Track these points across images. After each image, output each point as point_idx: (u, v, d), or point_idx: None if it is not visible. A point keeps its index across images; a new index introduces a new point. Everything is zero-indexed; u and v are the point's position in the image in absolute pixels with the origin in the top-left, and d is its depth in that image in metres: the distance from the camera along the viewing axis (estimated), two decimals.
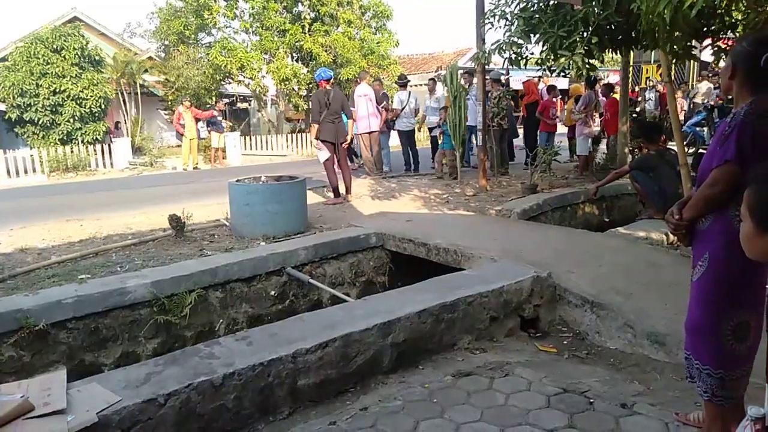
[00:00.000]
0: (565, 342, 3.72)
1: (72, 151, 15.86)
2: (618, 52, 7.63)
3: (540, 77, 12.48)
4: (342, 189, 7.57)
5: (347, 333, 2.95)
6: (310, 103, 7.91)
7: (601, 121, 10.23)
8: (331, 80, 7.58)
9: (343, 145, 7.55)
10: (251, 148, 19.02)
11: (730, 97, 2.30)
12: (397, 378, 3.08)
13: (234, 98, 24.39)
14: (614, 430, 2.46)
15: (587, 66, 6.12)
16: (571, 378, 3.02)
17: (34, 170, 15.71)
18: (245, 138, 19.44)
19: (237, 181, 5.85)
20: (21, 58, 16.85)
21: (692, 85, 15.07)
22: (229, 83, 20.87)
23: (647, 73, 15.74)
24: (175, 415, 2.39)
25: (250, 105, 25.43)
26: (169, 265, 4.62)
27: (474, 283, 3.70)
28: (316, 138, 7.28)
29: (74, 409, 2.25)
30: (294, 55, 20.24)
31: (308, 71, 19.36)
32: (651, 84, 14.41)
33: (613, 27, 6.17)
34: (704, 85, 13.56)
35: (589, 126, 9.39)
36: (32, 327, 3.58)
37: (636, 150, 8.65)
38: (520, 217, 6.48)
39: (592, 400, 2.73)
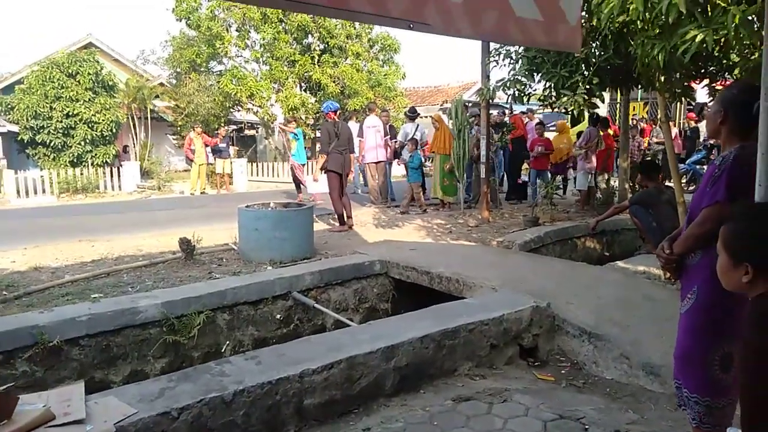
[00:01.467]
0: (562, 371, 3.81)
1: (82, 174, 16.13)
2: (618, 90, 7.86)
3: (525, 113, 12.64)
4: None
5: (352, 355, 3.06)
6: (319, 134, 8.17)
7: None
8: (338, 112, 7.83)
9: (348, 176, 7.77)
10: (258, 175, 19.31)
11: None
12: (399, 401, 3.18)
13: (242, 125, 24.81)
14: None
15: (588, 104, 6.35)
16: (567, 406, 3.12)
17: (44, 191, 15.95)
18: (252, 164, 19.75)
19: (246, 207, 6.02)
20: (36, 82, 17.30)
21: (678, 122, 15.36)
22: (239, 110, 21.31)
23: (634, 110, 16.02)
24: (187, 429, 2.50)
25: (257, 132, 25.84)
26: (179, 286, 4.76)
27: (475, 312, 3.82)
28: (322, 168, 7.47)
29: (92, 420, 2.37)
30: (302, 84, 20.69)
31: (316, 101, 19.78)
32: (634, 122, 14.68)
33: (612, 67, 6.42)
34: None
35: (590, 161, 9.59)
36: (47, 343, 3.70)
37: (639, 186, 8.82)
38: (521, 248, 6.61)
39: (587, 427, 2.83)
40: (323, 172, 7.55)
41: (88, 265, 5.52)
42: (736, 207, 1.62)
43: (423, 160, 10.03)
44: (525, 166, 10.89)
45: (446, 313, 3.81)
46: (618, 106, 13.54)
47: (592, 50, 5.91)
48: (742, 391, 1.33)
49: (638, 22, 4.23)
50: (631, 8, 3.81)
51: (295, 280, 5.02)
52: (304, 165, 11.81)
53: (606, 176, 9.95)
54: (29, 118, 17.23)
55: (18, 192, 15.85)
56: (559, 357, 4.00)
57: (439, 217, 8.63)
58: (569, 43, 2.38)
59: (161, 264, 5.53)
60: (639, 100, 15.85)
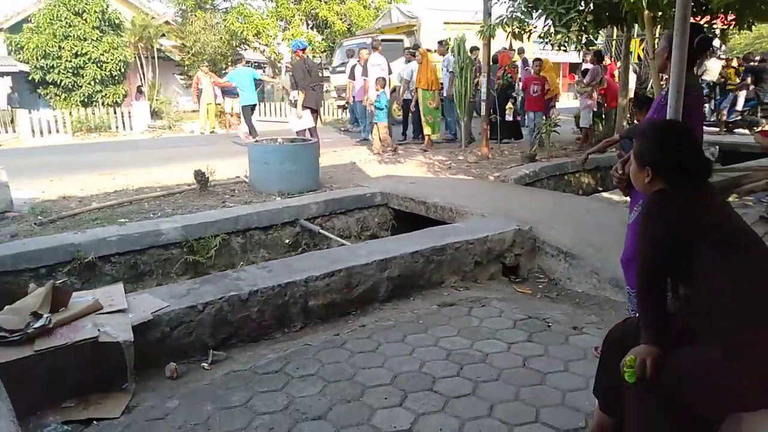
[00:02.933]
0: (540, 286, 4.27)
1: (93, 113, 16.43)
2: (617, 28, 7.97)
3: (509, 49, 12.04)
4: None
5: (351, 266, 3.53)
6: (293, 72, 8.25)
7: (602, 95, 10.51)
8: (306, 50, 8.08)
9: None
10: (265, 115, 19.47)
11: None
12: (391, 306, 3.66)
13: (249, 65, 24.73)
14: (563, 343, 3.03)
15: (583, 42, 6.53)
16: (538, 310, 3.59)
17: (57, 131, 16.34)
18: (259, 105, 19.91)
19: (256, 141, 6.39)
20: (44, 21, 17.31)
21: None
22: (245, 50, 21.24)
23: (637, 47, 15.78)
24: (210, 320, 2.99)
25: (263, 72, 25.79)
26: (195, 213, 5.22)
27: (462, 233, 4.26)
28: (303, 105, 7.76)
29: (133, 311, 2.86)
30: (309, 22, 20.52)
31: (323, 39, 19.69)
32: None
33: (608, 4, 6.55)
34: (714, 63, 13.52)
35: (592, 99, 9.76)
36: (83, 259, 4.20)
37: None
38: (516, 182, 6.99)
39: (550, 324, 3.30)
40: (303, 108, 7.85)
41: (110, 195, 5.98)
42: (644, 124, 1.99)
43: (389, 100, 9.84)
44: (509, 105, 10.79)
45: (436, 234, 4.24)
46: (613, 43, 13.39)
47: None
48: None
49: None
50: None
51: (302, 209, 5.46)
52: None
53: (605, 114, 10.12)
54: (39, 58, 17.36)
55: (33, 131, 16.24)
56: (538, 275, 4.45)
57: (440, 154, 8.96)
58: None
59: (178, 194, 5.98)
60: (636, 37, 15.62)
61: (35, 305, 2.61)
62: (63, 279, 4.04)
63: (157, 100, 19.03)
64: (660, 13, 5.35)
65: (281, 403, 2.51)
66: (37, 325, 2.51)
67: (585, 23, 6.00)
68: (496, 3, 7.36)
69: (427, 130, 9.72)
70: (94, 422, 2.41)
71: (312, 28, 20.65)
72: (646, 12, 4.91)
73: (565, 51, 7.91)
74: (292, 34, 18.95)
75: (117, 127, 16.53)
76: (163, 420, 2.41)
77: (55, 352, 2.46)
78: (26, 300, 2.69)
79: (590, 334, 3.14)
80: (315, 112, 7.88)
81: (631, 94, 9.66)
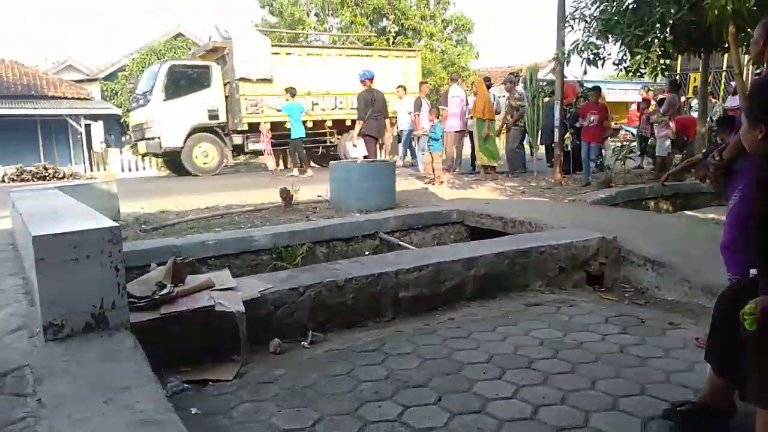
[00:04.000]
0: (626, 295, 4.19)
1: None
2: (696, 54, 7.89)
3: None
4: None
5: (438, 261, 3.64)
6: (356, 101, 8.47)
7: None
8: (373, 80, 8.34)
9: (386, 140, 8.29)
10: None
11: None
12: (478, 304, 3.71)
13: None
14: (659, 336, 2.98)
15: (662, 66, 6.51)
16: (629, 311, 3.54)
17: (144, 168, 17.60)
18: None
19: (338, 162, 6.70)
20: (137, 68, 18.96)
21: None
22: None
23: (694, 81, 15.32)
24: (310, 303, 3.16)
25: None
26: (283, 224, 5.50)
27: (546, 239, 4.28)
28: (360, 134, 8.02)
29: (241, 290, 3.07)
30: None
31: None
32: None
33: (689, 29, 6.53)
34: None
35: (669, 128, 9.58)
36: (184, 259, 4.50)
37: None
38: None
39: (644, 320, 3.26)
40: (359, 137, 8.09)
41: (203, 210, 6.41)
42: (753, 86, 2.03)
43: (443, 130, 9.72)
44: (567, 135, 10.58)
45: (520, 239, 4.30)
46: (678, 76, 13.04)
47: (668, 9, 6.08)
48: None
49: None
50: None
51: (381, 222, 5.64)
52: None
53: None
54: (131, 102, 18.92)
55: (122, 168, 17.59)
56: (624, 285, 4.37)
57: (512, 181, 9.00)
58: None
59: (265, 210, 6.33)
60: (692, 71, 15.25)
61: (159, 277, 2.87)
62: (183, 257, 4.34)
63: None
64: (743, 34, 5.32)
65: (382, 374, 2.61)
66: (162, 293, 2.76)
67: (665, 43, 6.00)
68: (570, 31, 7.47)
69: (485, 161, 9.44)
70: (210, 383, 2.59)
71: None
72: (731, 28, 4.90)
73: (641, 76, 7.89)
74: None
75: None
76: (273, 383, 2.56)
77: (177, 316, 2.69)
78: (151, 274, 2.97)
79: (688, 329, 3.07)
80: (376, 141, 8.12)
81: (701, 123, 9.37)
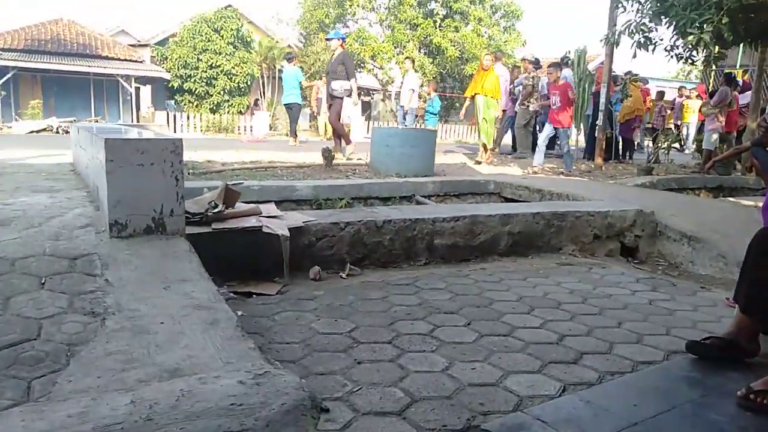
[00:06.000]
0: (660, 268, 4.22)
1: (221, 117, 18.04)
2: (752, 46, 7.68)
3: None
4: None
5: (474, 214, 3.73)
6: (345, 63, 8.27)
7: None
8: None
9: None
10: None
11: None
12: (510, 259, 3.80)
13: (360, 91, 25.88)
14: (690, 295, 3.02)
15: (716, 55, 6.35)
16: (661, 278, 3.58)
17: (188, 130, 18.07)
18: (368, 122, 20.81)
19: (379, 126, 6.81)
20: (188, 35, 19.38)
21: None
22: (359, 72, 22.36)
23: (741, 76, 14.92)
24: (349, 238, 3.30)
25: (372, 98, 26.89)
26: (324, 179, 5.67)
27: (583, 206, 4.32)
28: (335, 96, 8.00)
29: (286, 220, 3.23)
30: (422, 48, 21.28)
31: (433, 65, 20.32)
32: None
33: (748, 16, 6.35)
34: None
35: (719, 121, 9.36)
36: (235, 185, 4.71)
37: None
38: None
39: (675, 284, 3.29)
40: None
41: (247, 163, 6.62)
42: None
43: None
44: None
45: (558, 204, 4.35)
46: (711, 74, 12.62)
47: None
48: None
49: None
50: None
51: (419, 186, 5.76)
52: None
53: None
54: (179, 68, 19.38)
55: (168, 129, 18.05)
56: (658, 259, 4.38)
57: (551, 162, 8.97)
58: None
59: (307, 168, 6.50)
60: (738, 67, 14.79)
61: (212, 198, 3.06)
62: (236, 182, 4.57)
63: (273, 116, 20.49)
64: None
65: (415, 301, 2.74)
66: (214, 211, 2.94)
67: (720, 26, 5.87)
68: (622, 12, 7.35)
69: (485, 140, 8.84)
70: (254, 296, 2.77)
71: (425, 54, 21.38)
72: None
73: (693, 63, 7.72)
74: (405, 58, 19.74)
75: (240, 132, 17.98)
76: (312, 300, 2.71)
77: (227, 232, 2.87)
78: (205, 196, 3.15)
79: (717, 293, 3.11)
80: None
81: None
